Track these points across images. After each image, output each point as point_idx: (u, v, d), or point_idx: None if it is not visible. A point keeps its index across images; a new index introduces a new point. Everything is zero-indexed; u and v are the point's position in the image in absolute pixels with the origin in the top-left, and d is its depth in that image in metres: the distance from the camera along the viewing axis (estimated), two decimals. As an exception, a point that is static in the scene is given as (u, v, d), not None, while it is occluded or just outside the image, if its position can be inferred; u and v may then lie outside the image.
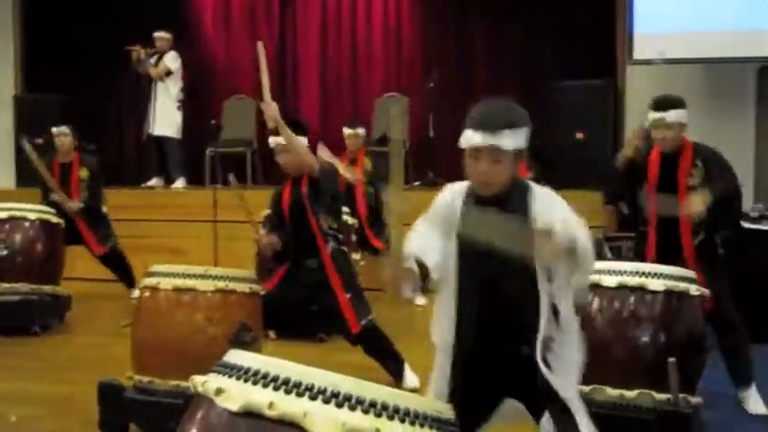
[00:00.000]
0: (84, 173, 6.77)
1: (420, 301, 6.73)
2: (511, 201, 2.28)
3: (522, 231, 2.14)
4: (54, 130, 6.85)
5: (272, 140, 4.28)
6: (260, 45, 4.39)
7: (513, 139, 2.23)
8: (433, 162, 8.56)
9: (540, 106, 8.57)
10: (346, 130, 7.13)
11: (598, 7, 8.54)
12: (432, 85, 8.10)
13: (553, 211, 2.22)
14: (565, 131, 7.80)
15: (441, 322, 2.41)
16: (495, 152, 2.23)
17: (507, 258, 2.13)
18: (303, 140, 4.28)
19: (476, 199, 2.33)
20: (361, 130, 7.15)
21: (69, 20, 9.81)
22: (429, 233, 2.36)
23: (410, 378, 4.34)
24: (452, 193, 2.40)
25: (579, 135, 7.77)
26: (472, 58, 9.24)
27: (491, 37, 9.16)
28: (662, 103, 3.94)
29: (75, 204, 6.61)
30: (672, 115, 3.90)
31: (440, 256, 2.31)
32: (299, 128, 4.33)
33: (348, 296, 4.17)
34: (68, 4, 9.79)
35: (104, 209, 6.91)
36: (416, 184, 8.48)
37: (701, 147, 3.99)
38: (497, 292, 2.28)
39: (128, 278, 6.99)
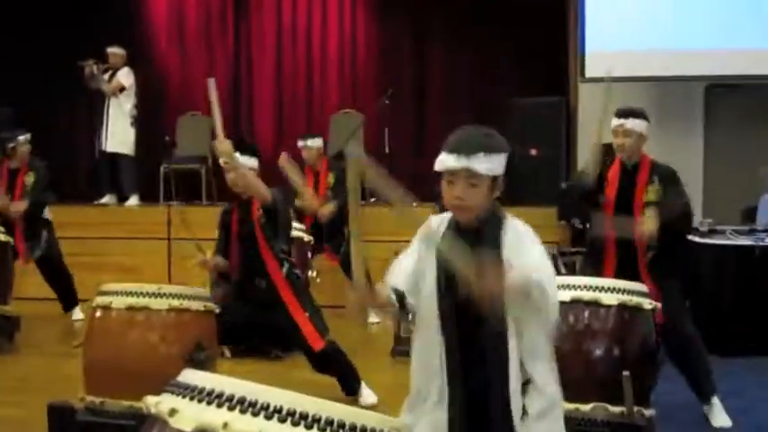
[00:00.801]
0: (30, 177, 6.66)
1: (375, 318, 6.73)
2: (485, 232, 2.24)
3: (483, 265, 2.06)
4: (20, 138, 6.70)
5: (224, 162, 4.27)
6: (211, 82, 4.28)
7: (489, 164, 2.20)
8: (389, 178, 8.57)
9: (494, 123, 8.64)
10: (299, 143, 7.13)
11: (550, 26, 8.69)
12: (386, 101, 8.14)
13: (520, 247, 2.19)
14: (518, 148, 7.88)
15: (426, 371, 2.28)
16: (469, 176, 2.20)
17: (478, 301, 2.07)
18: (254, 162, 4.32)
19: (455, 227, 2.29)
20: (311, 142, 7.08)
21: (23, 33, 9.66)
22: (410, 264, 2.34)
23: (367, 394, 4.34)
24: (437, 221, 2.35)
25: (533, 151, 7.86)
26: (427, 74, 9.32)
27: (446, 53, 9.25)
28: (623, 112, 4.12)
29: (18, 206, 6.49)
30: (630, 123, 4.05)
31: (415, 278, 2.29)
32: (250, 150, 4.36)
33: (306, 314, 4.17)
34: (22, 18, 9.64)
35: (48, 215, 6.77)
36: (372, 200, 8.48)
37: (660, 165, 4.11)
38: (474, 339, 2.22)
39: (67, 297, 6.84)
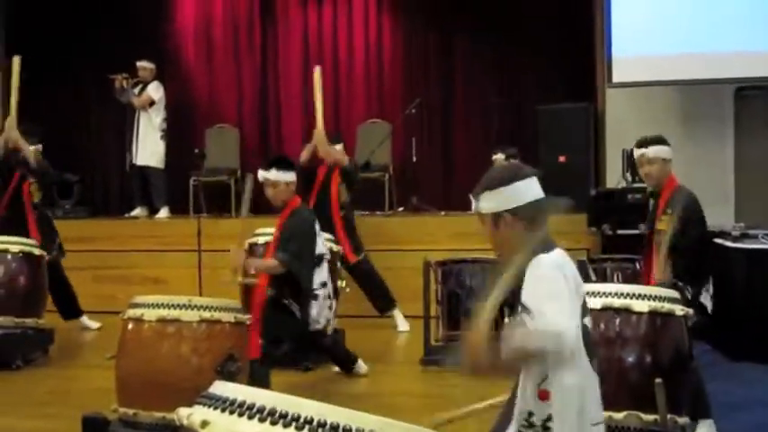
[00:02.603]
0: (34, 188, 6.69)
1: (404, 327, 6.74)
2: (517, 272, 2.20)
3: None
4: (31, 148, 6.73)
5: (261, 174, 4.47)
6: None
7: (487, 202, 2.24)
8: (416, 187, 8.59)
9: (522, 131, 8.67)
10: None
11: (577, 31, 8.64)
12: (413, 110, 8.15)
13: (525, 292, 2.15)
14: (547, 155, 7.85)
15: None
16: (479, 216, 2.28)
17: None
18: (291, 176, 4.49)
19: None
20: (338, 146, 7.06)
21: (53, 50, 9.80)
22: None
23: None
24: None
25: (561, 158, 7.82)
26: (454, 83, 9.31)
27: (472, 61, 9.23)
28: (642, 142, 4.32)
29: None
30: (651, 150, 4.24)
31: None
32: (286, 165, 4.50)
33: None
34: (52, 35, 9.79)
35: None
36: (400, 209, 8.50)
37: (681, 191, 4.21)
38: None
39: (67, 305, 6.83)
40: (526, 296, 2.12)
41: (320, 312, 4.50)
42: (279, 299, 4.35)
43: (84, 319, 6.88)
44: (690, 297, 4.00)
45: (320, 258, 4.58)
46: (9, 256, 5.84)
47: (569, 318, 2.08)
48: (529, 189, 2.24)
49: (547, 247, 2.22)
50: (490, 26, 9.02)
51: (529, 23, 8.86)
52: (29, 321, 5.80)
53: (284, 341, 4.37)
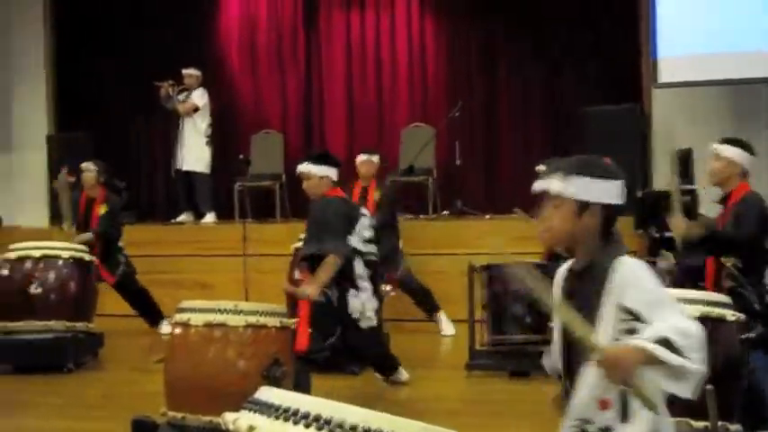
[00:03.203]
0: (102, 209, 6.92)
1: (449, 331, 6.72)
2: (594, 273, 2.13)
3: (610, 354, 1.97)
4: (82, 165, 7.10)
5: (298, 168, 4.55)
6: None
7: (567, 185, 2.11)
8: (461, 191, 8.56)
9: (566, 133, 8.59)
10: (361, 157, 7.13)
11: (622, 31, 8.55)
12: (457, 114, 8.12)
13: (627, 289, 2.04)
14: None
15: None
16: (551, 198, 2.14)
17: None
18: (332, 171, 4.47)
19: (569, 269, 2.22)
20: (375, 158, 7.11)
21: (99, 59, 9.99)
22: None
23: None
24: (560, 271, 2.27)
25: (607, 160, 7.72)
26: (498, 85, 9.26)
27: (516, 63, 9.18)
28: (722, 139, 4.21)
29: (82, 237, 6.73)
30: (721, 148, 4.11)
31: None
32: (324, 159, 4.48)
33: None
34: (98, 45, 9.97)
35: (119, 244, 7.03)
36: (444, 213, 8.48)
37: (750, 198, 4.07)
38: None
39: (149, 314, 7.04)
40: (633, 302, 2.02)
41: (366, 305, 4.46)
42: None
43: (164, 324, 6.98)
44: (755, 304, 3.88)
45: (354, 251, 4.50)
46: (60, 262, 5.95)
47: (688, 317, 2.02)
48: (623, 192, 2.17)
49: (624, 248, 2.18)
50: (534, 27, 8.97)
51: (574, 24, 8.79)
52: (79, 325, 5.91)
53: (331, 334, 4.33)
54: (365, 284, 4.44)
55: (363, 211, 4.65)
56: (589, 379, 2.08)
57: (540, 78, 9.08)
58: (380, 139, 9.32)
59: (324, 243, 4.33)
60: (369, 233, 4.60)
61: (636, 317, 2.01)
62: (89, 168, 7.07)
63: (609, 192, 2.14)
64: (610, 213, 2.14)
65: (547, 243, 2.20)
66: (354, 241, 4.46)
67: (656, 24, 7.78)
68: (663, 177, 7.53)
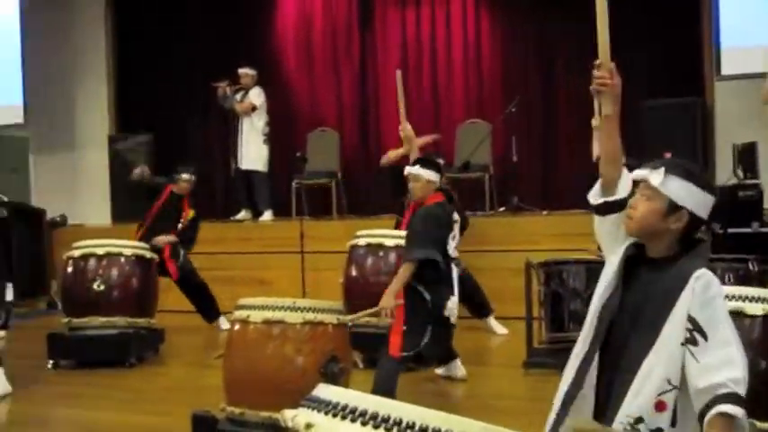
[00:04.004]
0: (191, 213, 7.07)
1: (501, 330, 6.67)
2: (670, 270, 2.15)
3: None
4: (183, 175, 7.16)
5: (407, 169, 4.69)
6: (398, 73, 5.10)
7: (667, 182, 2.15)
8: (518, 187, 8.50)
9: (625, 127, 8.43)
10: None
11: (683, 23, 8.36)
12: (514, 109, 8.05)
13: (696, 307, 2.06)
14: (652, 152, 7.62)
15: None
16: (645, 187, 2.18)
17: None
18: (435, 176, 4.62)
19: (640, 250, 2.25)
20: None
21: (158, 60, 10.17)
22: None
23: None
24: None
25: (667, 155, 7.58)
26: (554, 79, 9.15)
27: (573, 57, 9.05)
28: None
29: (166, 239, 6.86)
30: None
31: None
32: (431, 165, 4.66)
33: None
34: (157, 47, 10.16)
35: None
36: (501, 209, 8.43)
37: None
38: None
39: (207, 309, 7.13)
40: (700, 316, 2.05)
41: (453, 308, 4.50)
42: (414, 286, 4.37)
43: (222, 320, 7.06)
44: None
45: (451, 259, 4.56)
46: (123, 259, 6.08)
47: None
48: (710, 209, 2.22)
49: (706, 260, 2.21)
50: (591, 19, 8.80)
51: (633, 16, 8.63)
52: (141, 321, 6.03)
53: (424, 333, 4.35)
54: (455, 289, 4.51)
55: (456, 216, 4.75)
56: (649, 379, 2.07)
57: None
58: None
59: (406, 252, 4.48)
60: (458, 236, 4.76)
61: (699, 329, 2.05)
62: (189, 180, 7.16)
63: (702, 204, 2.18)
64: (694, 224, 2.19)
65: (626, 228, 2.22)
66: (450, 249, 4.52)
67: (718, 15, 7.61)
68: (725, 172, 7.36)
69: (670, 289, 2.11)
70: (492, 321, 6.67)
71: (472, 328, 6.68)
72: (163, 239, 6.84)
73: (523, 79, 9.18)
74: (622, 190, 2.26)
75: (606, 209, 2.27)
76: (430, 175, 4.61)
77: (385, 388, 3.99)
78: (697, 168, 2.24)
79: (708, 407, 1.97)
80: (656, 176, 2.15)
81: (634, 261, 2.23)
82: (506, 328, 6.59)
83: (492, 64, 9.42)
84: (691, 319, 2.06)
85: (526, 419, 4.27)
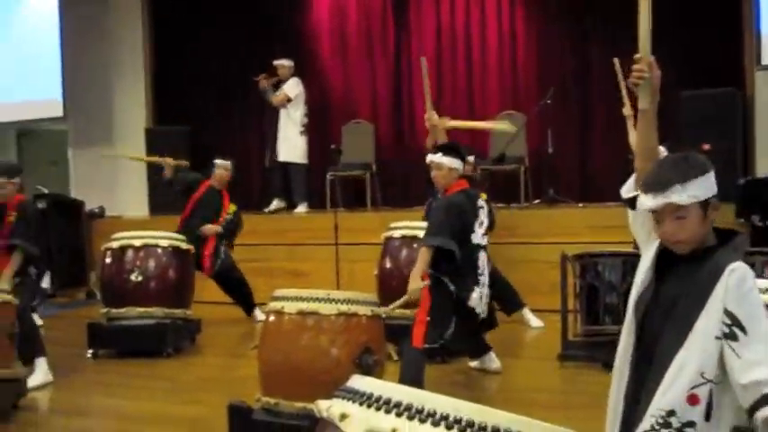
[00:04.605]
0: (231, 208, 7.15)
1: (536, 323, 6.63)
2: (704, 263, 2.14)
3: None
4: (217, 161, 7.27)
5: (429, 157, 4.65)
6: (423, 61, 5.13)
7: (689, 192, 2.11)
8: (553, 179, 8.44)
9: (662, 118, 8.32)
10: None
11: (722, 11, 8.22)
12: (549, 101, 7.99)
13: (733, 301, 2.05)
14: (691, 143, 7.52)
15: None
16: (673, 210, 2.13)
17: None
18: (455, 162, 4.56)
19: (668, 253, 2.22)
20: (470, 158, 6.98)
21: (194, 53, 10.24)
22: None
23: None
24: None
25: (706, 146, 7.47)
26: (589, 71, 9.05)
27: (608, 46, 8.93)
28: None
29: (212, 229, 6.94)
30: None
31: None
32: (452, 151, 4.62)
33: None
34: (193, 40, 10.23)
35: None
36: (536, 201, 8.38)
37: None
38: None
39: (245, 302, 7.20)
40: (739, 311, 2.04)
41: (483, 297, 4.48)
42: (438, 277, 4.37)
43: (257, 312, 7.11)
44: None
45: (477, 247, 4.52)
46: (159, 251, 6.15)
47: None
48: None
49: (743, 252, 2.20)
50: (627, 8, 8.70)
51: (669, 4, 8.49)
52: (178, 312, 6.10)
53: (448, 325, 4.35)
54: (484, 278, 4.48)
55: (481, 202, 4.67)
56: (682, 372, 2.06)
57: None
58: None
59: (423, 238, 4.45)
60: (486, 222, 4.67)
61: (738, 324, 2.03)
62: (226, 167, 7.26)
63: (713, 183, 2.17)
64: (717, 204, 2.18)
65: (681, 250, 2.19)
66: (476, 237, 4.49)
67: (759, 2, 7.47)
68: (766, 163, 7.25)
69: (704, 282, 2.10)
70: (528, 314, 6.63)
71: (506, 320, 6.66)
72: (210, 228, 6.91)
73: (559, 70, 9.09)
74: None
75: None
76: (452, 162, 4.56)
77: (411, 378, 3.99)
78: (690, 157, 2.21)
79: (756, 406, 1.97)
80: (676, 197, 2.11)
81: (670, 254, 2.21)
82: (542, 321, 6.55)
83: (527, 54, 9.35)
84: (728, 314, 2.04)
85: (561, 412, 4.27)
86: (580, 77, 9.08)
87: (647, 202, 2.15)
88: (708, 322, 2.06)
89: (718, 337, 2.04)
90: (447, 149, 4.65)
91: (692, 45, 8.30)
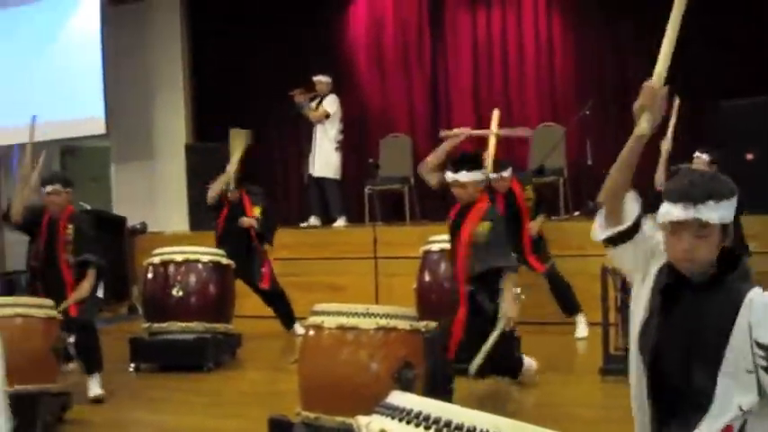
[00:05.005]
0: (257, 210, 7.13)
1: (581, 333, 6.58)
2: (720, 290, 2.07)
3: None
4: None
5: (449, 176, 4.43)
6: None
7: (720, 212, 2.04)
8: (593, 191, 8.33)
9: (704, 128, 8.23)
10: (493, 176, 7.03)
11: (758, 18, 8.10)
12: (587, 112, 7.93)
13: (763, 333, 1.98)
14: (733, 153, 7.41)
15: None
16: (699, 227, 2.05)
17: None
18: (479, 174, 4.42)
19: (675, 276, 2.14)
20: (506, 173, 6.92)
21: (233, 70, 10.36)
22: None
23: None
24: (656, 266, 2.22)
25: (750, 156, 7.37)
26: (629, 81, 8.95)
27: (647, 57, 8.82)
28: None
29: (250, 221, 6.97)
30: None
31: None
32: (474, 164, 4.45)
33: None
34: (232, 57, 10.34)
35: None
36: (576, 213, 8.31)
37: None
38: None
39: (286, 316, 7.22)
40: None
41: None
42: (474, 295, 4.35)
43: (297, 326, 7.12)
44: None
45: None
46: (200, 266, 6.21)
47: None
48: None
49: (753, 275, 2.13)
50: (665, 19, 8.62)
51: (707, 14, 8.40)
52: (219, 326, 6.15)
53: (482, 340, 4.33)
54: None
55: None
56: (724, 408, 2.01)
57: (674, 72, 8.70)
58: (509, 141, 9.22)
59: (503, 259, 4.36)
60: None
61: None
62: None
63: (734, 208, 2.10)
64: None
65: (688, 270, 2.11)
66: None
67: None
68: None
69: (723, 315, 2.03)
70: (581, 320, 6.62)
71: (544, 332, 6.61)
72: (247, 221, 6.95)
73: (597, 81, 9.04)
74: (630, 214, 2.22)
75: (620, 238, 2.22)
76: (476, 177, 4.40)
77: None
78: (723, 178, 2.13)
79: None
80: (707, 214, 2.04)
81: (673, 286, 2.15)
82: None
83: (565, 66, 9.30)
84: (762, 347, 1.97)
85: (602, 427, 4.21)
86: (619, 87, 8.99)
87: (674, 211, 2.06)
88: (737, 356, 2.00)
89: (750, 371, 1.98)
90: (468, 164, 4.42)
91: (733, 55, 8.21)
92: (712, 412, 2.02)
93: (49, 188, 5.29)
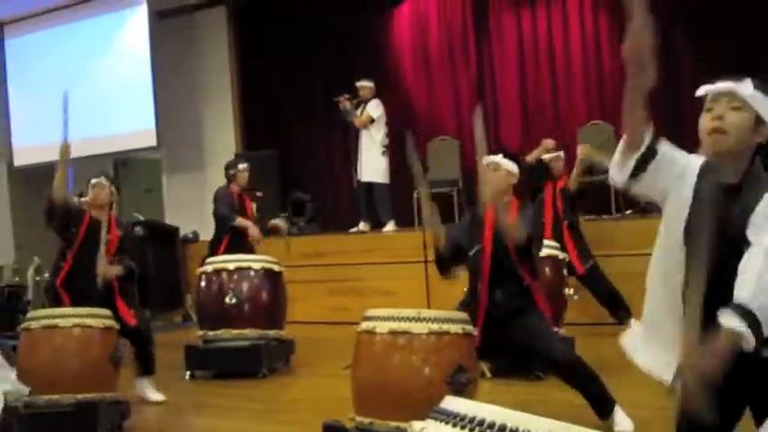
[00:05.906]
0: (253, 206, 7.32)
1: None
2: (748, 190, 2.12)
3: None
4: (240, 166, 7.39)
5: (486, 159, 4.32)
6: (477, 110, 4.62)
7: (752, 93, 2.08)
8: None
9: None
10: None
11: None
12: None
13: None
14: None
15: None
16: (731, 99, 2.10)
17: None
18: (515, 167, 4.33)
19: (715, 177, 2.17)
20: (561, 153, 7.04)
21: (280, 79, 10.45)
22: None
23: (620, 419, 4.16)
24: (694, 161, 2.25)
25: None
26: (679, 79, 8.81)
27: (696, 53, 8.72)
28: None
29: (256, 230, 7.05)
30: None
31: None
32: (513, 157, 4.40)
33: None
34: (278, 65, 10.44)
35: None
36: (628, 212, 8.20)
37: None
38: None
39: None
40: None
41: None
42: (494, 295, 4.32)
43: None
44: None
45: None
46: (252, 273, 6.26)
47: None
48: None
49: None
50: (713, 14, 8.48)
51: (758, 14, 8.22)
52: (271, 333, 6.20)
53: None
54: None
55: None
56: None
57: (723, 67, 8.47)
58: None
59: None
60: None
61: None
62: (246, 168, 7.42)
63: None
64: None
65: (716, 145, 2.13)
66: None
67: None
68: None
69: (749, 209, 2.07)
70: (632, 323, 6.54)
71: (600, 334, 6.52)
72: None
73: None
74: (647, 136, 2.22)
75: (644, 161, 2.20)
76: (512, 167, 4.27)
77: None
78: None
79: None
80: (745, 88, 2.08)
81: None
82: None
83: (612, 63, 9.18)
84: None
85: (646, 427, 4.15)
86: (667, 85, 8.84)
87: (710, 87, 2.12)
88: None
89: None
90: (509, 153, 4.36)
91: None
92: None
93: (94, 180, 5.25)
